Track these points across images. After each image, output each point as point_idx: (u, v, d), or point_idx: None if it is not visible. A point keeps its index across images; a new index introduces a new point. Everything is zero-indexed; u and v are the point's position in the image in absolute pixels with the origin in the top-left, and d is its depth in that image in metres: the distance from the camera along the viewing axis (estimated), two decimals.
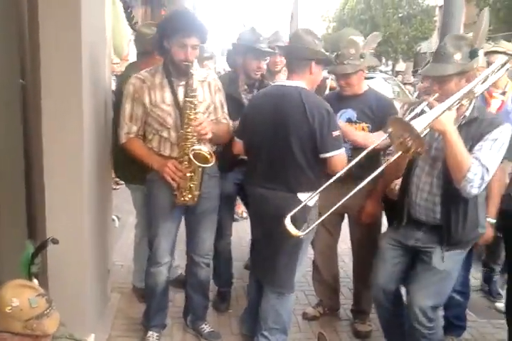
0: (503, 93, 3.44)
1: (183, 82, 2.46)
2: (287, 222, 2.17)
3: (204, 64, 6.04)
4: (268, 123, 2.46)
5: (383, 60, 19.61)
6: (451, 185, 2.15)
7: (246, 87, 3.07)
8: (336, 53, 2.86)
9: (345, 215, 3.12)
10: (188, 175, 2.46)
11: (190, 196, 2.50)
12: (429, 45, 22.86)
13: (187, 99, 2.41)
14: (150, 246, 2.66)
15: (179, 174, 2.44)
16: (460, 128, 2.14)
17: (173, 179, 2.44)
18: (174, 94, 2.48)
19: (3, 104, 2.20)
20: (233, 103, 2.87)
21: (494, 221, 2.58)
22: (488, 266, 3.68)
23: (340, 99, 2.92)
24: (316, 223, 2.33)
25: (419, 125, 1.97)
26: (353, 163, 2.30)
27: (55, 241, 2.16)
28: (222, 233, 3.16)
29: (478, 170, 2.07)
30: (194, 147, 2.43)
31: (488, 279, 3.69)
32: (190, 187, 2.49)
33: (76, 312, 2.36)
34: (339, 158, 2.44)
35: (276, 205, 2.45)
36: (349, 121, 2.89)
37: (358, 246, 3.10)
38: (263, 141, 2.49)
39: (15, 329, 1.69)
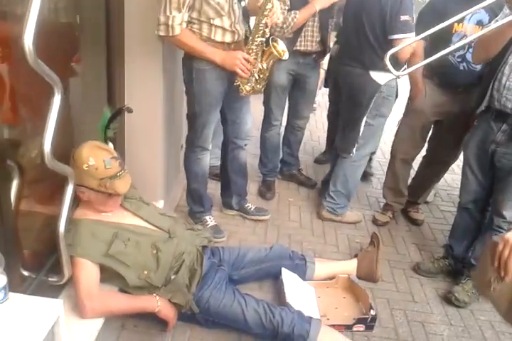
0: None
1: None
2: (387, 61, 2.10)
3: None
4: (352, 8, 2.81)
5: None
6: None
7: None
8: None
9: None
10: (264, 66, 2.41)
11: (258, 86, 2.47)
12: None
13: None
14: (198, 134, 2.61)
15: (249, 67, 2.36)
16: None
17: (244, 72, 2.36)
18: None
19: None
20: None
21: None
22: None
23: None
24: None
25: None
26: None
27: (129, 110, 2.24)
28: (271, 122, 3.29)
29: None
30: (274, 38, 2.39)
31: None
32: (262, 78, 2.45)
33: (149, 178, 2.53)
34: (404, 42, 2.49)
35: (352, 80, 2.87)
36: (480, 24, 2.60)
37: (441, 150, 3.11)
38: (348, 24, 2.88)
39: (91, 185, 1.84)
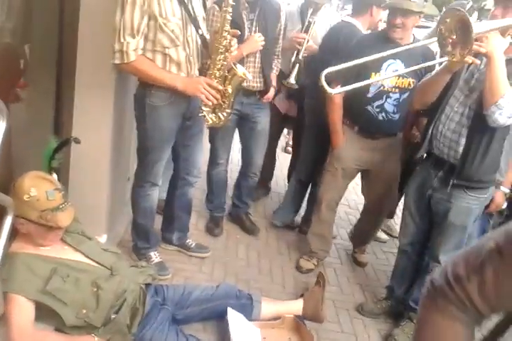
0: None
1: None
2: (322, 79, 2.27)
3: None
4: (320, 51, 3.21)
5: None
6: (481, 115, 2.07)
7: (246, 4, 2.82)
8: None
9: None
10: (229, 90, 2.33)
11: (224, 114, 2.39)
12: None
13: (225, 8, 2.21)
14: (148, 169, 2.55)
15: (212, 92, 2.29)
16: (506, 63, 2.00)
17: (207, 98, 2.28)
18: (184, 5, 2.23)
19: None
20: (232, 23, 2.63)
21: (508, 191, 2.52)
22: None
23: (385, 46, 2.53)
24: None
25: (476, 28, 1.81)
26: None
27: (77, 141, 2.18)
28: (216, 161, 3.25)
29: None
30: (235, 63, 2.35)
31: None
32: (227, 104, 2.36)
33: (92, 211, 2.43)
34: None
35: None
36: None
37: (373, 199, 3.08)
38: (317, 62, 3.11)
39: (30, 217, 1.76)
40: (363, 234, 3.32)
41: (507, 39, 2.01)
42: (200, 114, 2.38)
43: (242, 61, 2.83)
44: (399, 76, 2.64)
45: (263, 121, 3.17)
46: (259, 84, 3.00)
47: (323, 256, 3.19)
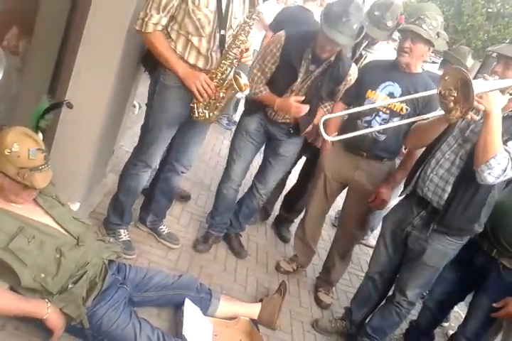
0: None
1: None
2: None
3: None
4: None
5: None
6: (471, 169, 2.07)
7: (311, 56, 2.64)
8: (417, 17, 2.59)
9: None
10: (221, 95, 2.37)
11: (211, 114, 2.42)
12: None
13: (246, 19, 2.24)
14: (144, 149, 2.52)
15: (209, 91, 2.32)
16: (502, 119, 2.00)
17: (200, 94, 2.32)
18: (220, 1, 2.24)
19: None
20: (287, 68, 2.63)
21: None
22: None
23: (391, 70, 2.67)
24: None
25: (478, 87, 1.80)
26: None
27: (69, 106, 2.12)
28: (228, 175, 3.04)
29: (504, 161, 1.97)
30: (237, 70, 2.37)
31: None
32: (216, 106, 2.41)
33: (71, 177, 2.36)
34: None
35: None
36: (391, 95, 2.63)
37: (349, 219, 3.02)
38: None
39: (7, 172, 1.70)
40: (331, 268, 3.13)
41: (506, 96, 1.99)
42: (190, 104, 2.39)
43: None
44: (393, 97, 2.62)
45: (289, 148, 2.95)
46: (289, 120, 2.82)
47: (303, 262, 3.22)
